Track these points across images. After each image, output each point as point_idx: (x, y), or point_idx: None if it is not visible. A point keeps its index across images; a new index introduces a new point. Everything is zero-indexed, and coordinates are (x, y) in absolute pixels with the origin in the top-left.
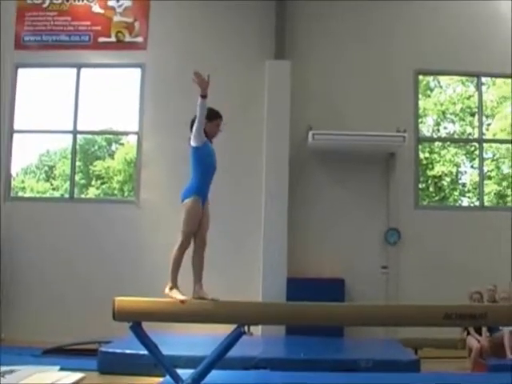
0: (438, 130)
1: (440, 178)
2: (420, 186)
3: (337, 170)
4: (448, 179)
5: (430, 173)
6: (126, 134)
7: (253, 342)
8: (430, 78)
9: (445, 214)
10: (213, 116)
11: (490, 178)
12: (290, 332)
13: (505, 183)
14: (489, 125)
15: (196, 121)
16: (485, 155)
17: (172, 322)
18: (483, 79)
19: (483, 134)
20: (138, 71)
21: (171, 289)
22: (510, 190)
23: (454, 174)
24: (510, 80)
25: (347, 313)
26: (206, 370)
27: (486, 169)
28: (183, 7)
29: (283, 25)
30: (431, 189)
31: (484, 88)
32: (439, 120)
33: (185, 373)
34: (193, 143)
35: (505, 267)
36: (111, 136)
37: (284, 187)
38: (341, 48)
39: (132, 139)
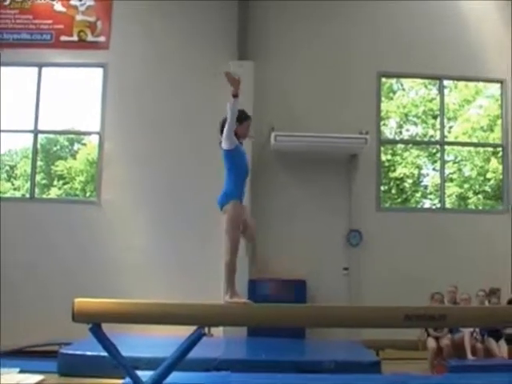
0: (401, 133)
1: (402, 179)
2: (382, 187)
3: (299, 171)
4: (410, 181)
5: (392, 175)
6: (88, 133)
7: (214, 343)
8: (393, 81)
9: (406, 216)
10: (243, 117)
11: (451, 180)
12: (252, 333)
13: (466, 185)
14: (451, 127)
15: (227, 122)
16: (447, 158)
17: (132, 324)
18: (445, 82)
19: (445, 136)
20: (100, 71)
21: (231, 296)
22: (471, 192)
23: (416, 176)
24: (471, 83)
25: (309, 314)
26: (166, 371)
27: (447, 171)
28: (146, 7)
29: (246, 25)
30: (393, 191)
31: (446, 91)
32: (402, 122)
33: (145, 374)
34: (225, 146)
35: (466, 268)
36: (73, 136)
37: (246, 188)
38: (304, 49)
39: (94, 139)
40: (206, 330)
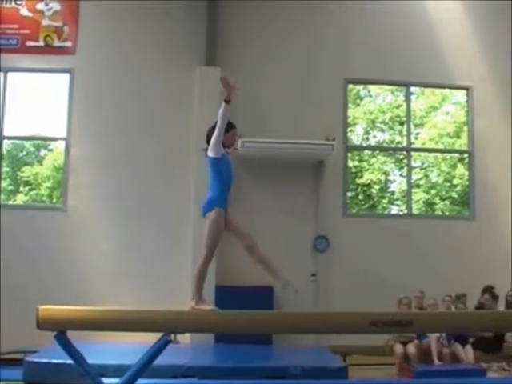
0: (368, 139)
1: (369, 186)
2: (349, 193)
3: (266, 177)
4: (377, 187)
5: (359, 181)
6: (55, 139)
7: (181, 350)
8: (360, 87)
9: (373, 222)
10: (229, 126)
11: (418, 186)
12: (219, 340)
13: (433, 191)
14: (418, 134)
15: (216, 130)
16: (414, 164)
17: (98, 331)
18: (412, 89)
19: (412, 142)
20: (66, 76)
21: (197, 303)
22: (438, 198)
23: (383, 182)
24: (438, 90)
25: (275, 320)
26: (132, 378)
27: (414, 177)
28: (113, 12)
29: (214, 31)
30: (360, 197)
31: (413, 97)
32: (369, 128)
33: (112, 382)
34: (212, 154)
35: (432, 274)
36: (40, 141)
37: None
38: (271, 56)
39: (61, 145)
40: (172, 336)
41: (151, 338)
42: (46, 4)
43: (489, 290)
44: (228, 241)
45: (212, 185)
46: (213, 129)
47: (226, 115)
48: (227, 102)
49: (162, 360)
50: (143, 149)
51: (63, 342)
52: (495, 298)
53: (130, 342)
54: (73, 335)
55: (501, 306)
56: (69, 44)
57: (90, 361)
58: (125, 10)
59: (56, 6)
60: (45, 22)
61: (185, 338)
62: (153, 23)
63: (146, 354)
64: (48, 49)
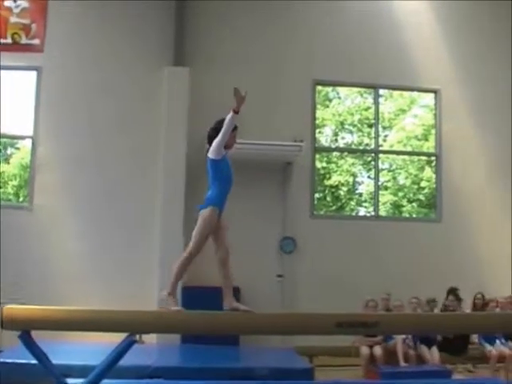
0: (336, 140)
1: (337, 187)
2: (317, 195)
3: (235, 177)
4: (345, 189)
5: (327, 182)
6: (21, 138)
7: (148, 350)
8: (329, 89)
9: (340, 224)
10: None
11: (386, 188)
12: (186, 340)
13: (400, 194)
14: (386, 136)
15: (220, 135)
16: (382, 166)
17: (63, 331)
18: (381, 91)
19: (380, 145)
20: (33, 74)
21: (169, 294)
22: (405, 200)
23: (351, 183)
24: (407, 93)
25: (241, 321)
26: (97, 379)
27: (382, 179)
28: (82, 10)
29: (183, 31)
30: (328, 198)
31: (382, 100)
32: (337, 130)
33: (77, 382)
34: (212, 156)
35: (399, 276)
36: (6, 140)
37: (180, 196)
38: (240, 56)
39: (28, 144)
40: (138, 337)
41: (119, 339)
42: (15, 1)
43: (453, 291)
44: None
45: (211, 185)
46: (214, 129)
47: (232, 123)
48: (236, 112)
49: (128, 360)
50: (111, 148)
51: (27, 342)
52: (459, 299)
53: (98, 343)
54: (41, 335)
55: (467, 308)
56: (36, 42)
57: (55, 361)
58: (93, 9)
59: (24, 4)
60: (13, 20)
61: (151, 339)
62: (121, 22)
63: (110, 354)
64: (15, 46)
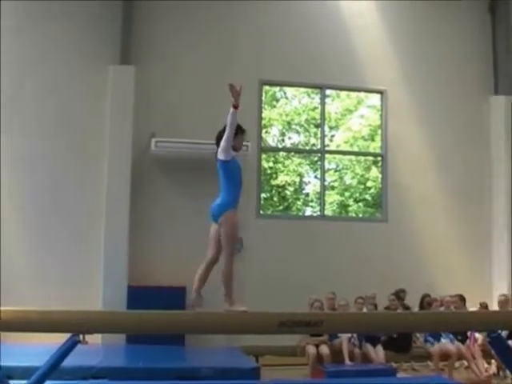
0: (283, 140)
1: (284, 187)
2: (264, 195)
3: (180, 177)
4: (291, 189)
5: (273, 182)
6: None
7: (92, 351)
8: (277, 89)
9: (287, 223)
10: (238, 130)
11: (332, 188)
12: (131, 341)
13: (347, 193)
14: (333, 136)
15: (226, 133)
16: (328, 166)
17: (7, 332)
18: (328, 91)
19: (327, 145)
20: None
21: (231, 304)
22: (351, 200)
23: (298, 183)
24: (354, 93)
25: (186, 321)
26: (39, 380)
27: (329, 179)
28: (29, 7)
29: (130, 30)
30: (275, 198)
31: (329, 100)
32: (284, 130)
33: None
34: (222, 157)
35: (345, 275)
36: None
37: (125, 195)
38: (186, 55)
39: None
40: (81, 337)
41: (62, 339)
42: None
43: (399, 292)
44: (140, 242)
45: (223, 187)
46: (223, 131)
47: (234, 120)
48: (236, 107)
49: (71, 361)
50: (55, 147)
51: None
52: (400, 298)
53: (41, 343)
54: None
55: (415, 308)
56: None
57: None
58: (39, 6)
59: None
60: None
61: (95, 339)
62: (67, 20)
63: (53, 355)
64: None
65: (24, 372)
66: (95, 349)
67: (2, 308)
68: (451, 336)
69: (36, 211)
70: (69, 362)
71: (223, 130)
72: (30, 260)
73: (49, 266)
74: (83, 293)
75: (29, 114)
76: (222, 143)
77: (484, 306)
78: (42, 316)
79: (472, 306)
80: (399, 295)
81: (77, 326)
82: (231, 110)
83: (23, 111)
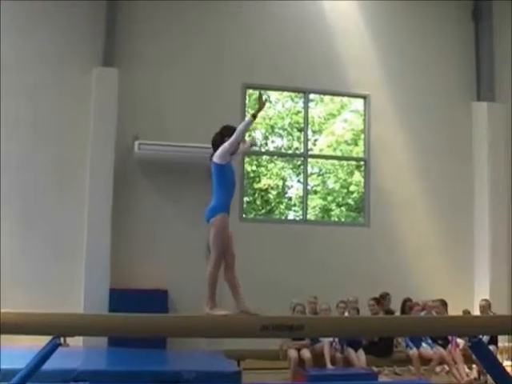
0: (266, 144)
1: (266, 191)
2: (247, 198)
3: (163, 180)
4: (274, 192)
5: (256, 186)
6: None
7: (73, 353)
8: None
9: (269, 227)
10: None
11: (315, 192)
12: (113, 344)
13: (330, 198)
14: (316, 140)
15: (231, 139)
16: (311, 170)
17: None
18: (311, 96)
19: (310, 149)
20: None
21: (211, 308)
22: (334, 204)
23: (281, 187)
24: (337, 97)
25: (167, 324)
26: (20, 383)
27: (312, 183)
28: (11, 8)
29: (114, 32)
30: (258, 202)
31: (312, 104)
32: (268, 134)
33: None
34: (218, 161)
35: (327, 279)
36: None
37: (108, 197)
38: (171, 58)
39: None
40: (62, 339)
41: (44, 342)
42: None
43: (384, 295)
44: (122, 244)
45: (216, 191)
46: (219, 134)
47: (246, 128)
48: (254, 117)
49: (52, 364)
50: (37, 149)
51: None
52: (380, 303)
53: (22, 346)
54: None
55: (397, 312)
56: None
57: None
58: (21, 7)
59: None
60: None
61: (77, 342)
62: (50, 22)
63: (34, 358)
64: None
65: (4, 375)
66: (76, 352)
67: None
68: (429, 341)
69: (17, 213)
70: (49, 365)
71: (219, 134)
72: (11, 262)
73: (30, 268)
74: (65, 295)
75: (10, 115)
76: (223, 148)
77: (467, 313)
78: (23, 318)
79: (454, 311)
80: (379, 300)
81: (58, 329)
82: (249, 118)
83: (4, 113)
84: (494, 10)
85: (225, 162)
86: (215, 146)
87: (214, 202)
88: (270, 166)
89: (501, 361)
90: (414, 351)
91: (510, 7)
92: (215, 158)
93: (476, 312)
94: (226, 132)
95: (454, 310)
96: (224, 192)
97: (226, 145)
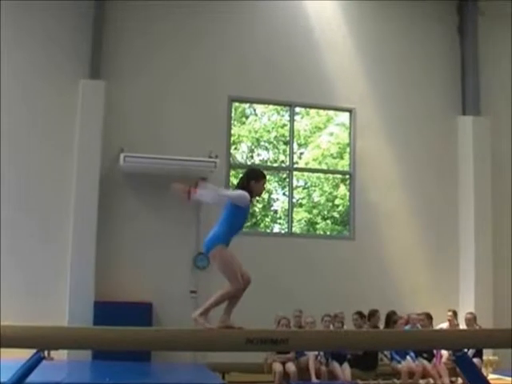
0: (252, 157)
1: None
2: None
3: (149, 193)
4: (260, 205)
5: None
6: None
7: (57, 367)
8: (246, 106)
9: (255, 240)
10: (260, 177)
11: (301, 205)
12: (97, 357)
13: (315, 211)
14: (301, 153)
15: (237, 199)
16: (297, 183)
17: None
18: (297, 109)
19: (296, 162)
20: None
21: (201, 318)
22: (319, 217)
23: (266, 200)
24: (323, 111)
25: (152, 337)
26: None
27: (297, 196)
28: None
29: (101, 44)
30: None
31: (298, 118)
32: (253, 147)
33: None
34: (238, 203)
35: (312, 292)
36: None
37: (93, 209)
38: (157, 72)
39: None
40: (46, 353)
41: (28, 355)
42: None
43: (374, 312)
44: (107, 257)
45: (222, 222)
46: (246, 176)
47: (218, 197)
48: (194, 192)
49: (37, 377)
50: (23, 161)
51: None
52: (363, 317)
53: (5, 359)
54: None
55: (381, 324)
56: None
57: None
58: (7, 15)
59: None
60: None
61: (61, 355)
62: (37, 33)
63: (17, 371)
64: None
65: None
66: (60, 365)
67: None
68: (412, 354)
69: (2, 224)
70: (33, 378)
71: (245, 175)
72: None
73: (14, 280)
74: (49, 308)
75: None
76: (239, 195)
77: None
78: (6, 331)
79: (439, 324)
80: (362, 314)
81: (42, 342)
82: (196, 193)
83: None
84: (479, 25)
85: (243, 205)
86: (238, 185)
87: (215, 231)
88: None
89: (485, 374)
90: (402, 365)
91: (495, 22)
92: (235, 201)
93: (462, 325)
94: (252, 176)
95: (438, 323)
96: (229, 228)
97: (240, 194)
